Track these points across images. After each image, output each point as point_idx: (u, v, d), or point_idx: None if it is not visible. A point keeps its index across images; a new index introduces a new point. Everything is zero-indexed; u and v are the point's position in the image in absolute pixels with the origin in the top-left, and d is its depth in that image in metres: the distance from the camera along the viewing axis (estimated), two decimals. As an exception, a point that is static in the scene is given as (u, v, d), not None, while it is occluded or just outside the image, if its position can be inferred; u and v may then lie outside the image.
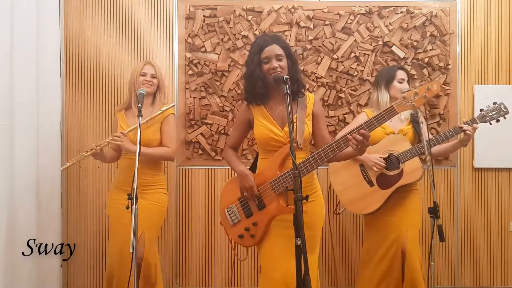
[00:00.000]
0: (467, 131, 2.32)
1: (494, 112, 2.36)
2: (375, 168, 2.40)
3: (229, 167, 3.02)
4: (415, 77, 3.07)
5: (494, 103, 2.37)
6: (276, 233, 1.96)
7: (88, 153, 2.35)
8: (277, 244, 1.95)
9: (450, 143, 2.49)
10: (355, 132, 1.78)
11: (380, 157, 2.41)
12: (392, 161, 2.42)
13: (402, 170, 2.39)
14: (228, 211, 2.06)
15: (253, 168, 2.09)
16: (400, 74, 2.53)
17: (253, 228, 1.98)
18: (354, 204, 2.47)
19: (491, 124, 2.38)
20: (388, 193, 2.40)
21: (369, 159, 2.42)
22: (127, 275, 2.10)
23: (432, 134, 3.04)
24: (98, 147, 2.34)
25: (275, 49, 1.93)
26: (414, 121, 2.50)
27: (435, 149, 2.49)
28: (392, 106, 1.79)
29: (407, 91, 1.78)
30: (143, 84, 2.41)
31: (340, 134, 2.58)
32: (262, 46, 1.94)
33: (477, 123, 2.35)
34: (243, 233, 2.00)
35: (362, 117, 2.61)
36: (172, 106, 2.45)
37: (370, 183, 2.44)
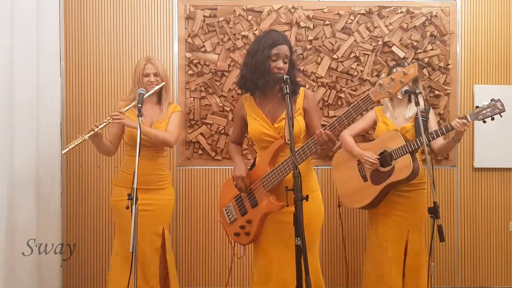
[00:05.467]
0: (455, 127, 2.25)
1: (488, 110, 2.25)
2: (366, 165, 2.45)
3: (230, 167, 3.06)
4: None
5: (492, 100, 2.27)
6: (272, 231, 1.97)
7: (88, 134, 2.25)
8: (272, 243, 1.97)
9: (445, 140, 2.47)
10: (331, 124, 1.74)
11: (372, 155, 2.43)
12: (385, 157, 2.43)
13: (394, 166, 2.40)
14: (225, 210, 2.10)
15: (253, 167, 2.10)
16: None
17: (247, 225, 2.00)
18: (349, 197, 2.56)
19: (485, 122, 2.28)
20: (378, 188, 2.41)
21: (362, 156, 2.46)
22: (153, 271, 2.31)
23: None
24: (98, 128, 2.25)
25: (285, 49, 1.94)
26: (422, 117, 2.42)
27: (432, 146, 2.51)
28: (368, 94, 1.71)
29: (384, 77, 1.73)
30: (148, 85, 2.38)
31: (344, 132, 2.59)
32: (275, 42, 1.92)
33: (468, 120, 2.25)
34: (239, 231, 2.03)
35: (371, 115, 2.63)
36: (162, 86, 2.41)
37: (364, 178, 2.49)
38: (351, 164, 2.55)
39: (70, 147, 2.31)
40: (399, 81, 1.66)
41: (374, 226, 2.55)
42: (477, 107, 2.30)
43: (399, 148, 2.37)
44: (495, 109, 2.24)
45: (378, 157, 2.43)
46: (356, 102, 1.74)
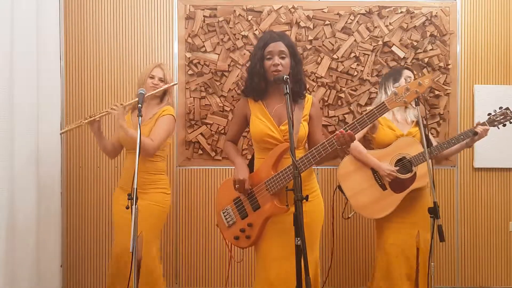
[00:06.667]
0: (480, 133, 2.37)
1: (501, 117, 2.42)
2: (387, 179, 2.38)
3: (230, 168, 3.06)
4: (415, 77, 3.07)
5: (500, 107, 2.43)
6: (273, 233, 1.95)
7: (86, 120, 2.34)
8: (273, 245, 1.94)
9: (457, 145, 2.48)
10: (344, 129, 1.73)
11: (392, 168, 2.38)
12: (405, 164, 2.41)
13: (415, 173, 2.38)
14: (223, 213, 2.04)
15: (249, 168, 2.06)
16: (407, 73, 2.53)
17: (248, 229, 1.96)
18: (367, 208, 2.42)
19: (498, 128, 2.43)
20: (401, 196, 2.38)
21: (381, 169, 2.39)
22: (127, 275, 2.11)
23: (432, 134, 3.05)
24: (96, 116, 2.34)
25: (279, 45, 1.92)
26: (418, 122, 2.48)
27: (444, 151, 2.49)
28: (383, 102, 1.73)
29: (398, 86, 1.74)
30: (150, 87, 2.40)
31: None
32: (267, 41, 1.93)
33: (488, 126, 2.41)
34: (239, 235, 1.98)
35: None
36: (175, 85, 2.45)
37: (383, 186, 2.41)
38: (364, 173, 2.44)
39: (68, 128, 2.42)
40: (414, 91, 1.70)
41: (382, 232, 2.48)
42: (489, 114, 2.44)
43: (420, 154, 2.36)
44: (506, 116, 2.42)
45: (397, 168, 2.39)
46: (370, 109, 1.75)
